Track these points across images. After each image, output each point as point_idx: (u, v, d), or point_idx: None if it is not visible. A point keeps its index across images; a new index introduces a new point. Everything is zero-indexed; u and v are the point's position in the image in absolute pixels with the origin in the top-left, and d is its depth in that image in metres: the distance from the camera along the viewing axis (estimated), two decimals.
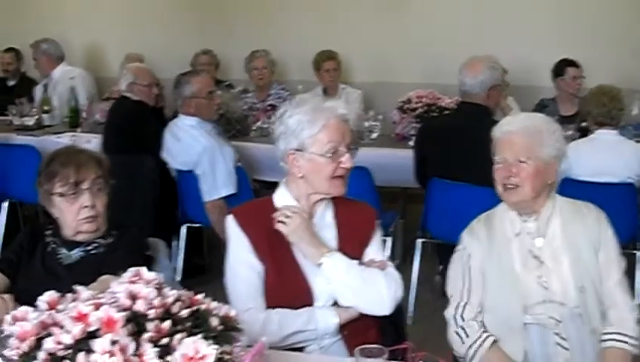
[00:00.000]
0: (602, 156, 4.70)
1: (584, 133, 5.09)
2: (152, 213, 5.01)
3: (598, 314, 2.69)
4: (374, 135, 5.77)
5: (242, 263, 2.62)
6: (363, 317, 2.64)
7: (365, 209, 2.74)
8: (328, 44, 7.07)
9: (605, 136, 4.77)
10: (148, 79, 5.62)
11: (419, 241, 4.89)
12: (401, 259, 5.60)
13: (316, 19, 7.65)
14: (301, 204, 2.66)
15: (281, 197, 2.69)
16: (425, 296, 4.98)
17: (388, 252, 4.97)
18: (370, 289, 2.62)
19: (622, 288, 2.73)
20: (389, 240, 4.98)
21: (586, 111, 4.95)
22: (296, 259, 2.63)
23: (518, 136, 2.70)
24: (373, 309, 2.64)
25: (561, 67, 6.45)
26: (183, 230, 5.19)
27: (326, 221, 2.70)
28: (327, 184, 2.61)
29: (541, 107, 6.42)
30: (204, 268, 5.48)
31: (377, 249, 2.75)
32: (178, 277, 5.07)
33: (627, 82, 6.48)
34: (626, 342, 2.66)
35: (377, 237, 2.78)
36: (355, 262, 2.64)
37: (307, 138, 2.56)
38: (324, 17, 7.65)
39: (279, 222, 2.59)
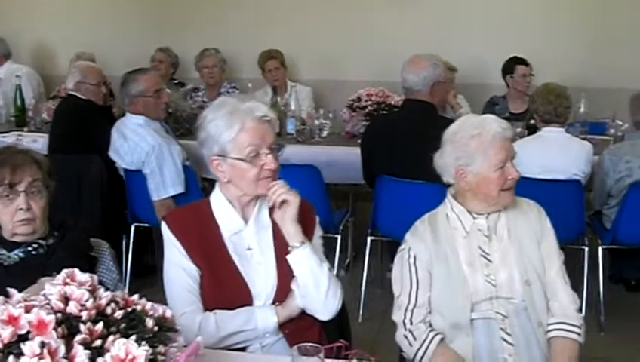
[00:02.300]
0: (549, 153, 4.74)
1: (532, 130, 5.13)
2: (100, 213, 4.97)
3: (544, 307, 2.74)
4: (324, 133, 5.77)
5: (177, 268, 2.60)
6: (305, 316, 2.63)
7: (304, 206, 2.69)
8: (279, 42, 7.07)
9: (552, 134, 4.81)
10: (96, 78, 5.56)
11: (368, 239, 4.90)
12: (352, 257, 5.62)
13: (267, 17, 7.63)
14: (235, 205, 2.63)
15: (216, 200, 2.66)
16: (375, 294, 5.00)
17: (337, 250, 5.01)
18: (321, 292, 2.60)
19: (562, 279, 2.80)
20: (339, 238, 4.99)
21: (534, 109, 4.99)
22: (232, 260, 2.60)
23: (510, 137, 2.74)
24: (318, 311, 2.63)
25: (511, 65, 6.52)
26: (132, 230, 5.14)
27: (262, 221, 2.66)
28: (253, 186, 2.57)
29: (491, 105, 6.48)
30: (154, 268, 5.42)
31: (317, 246, 2.72)
32: (127, 278, 5.04)
33: (575, 80, 6.56)
34: (570, 331, 2.72)
35: (317, 235, 2.75)
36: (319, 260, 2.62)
37: (226, 143, 2.51)
38: (276, 15, 7.63)
39: (282, 191, 2.56)
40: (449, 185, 2.83)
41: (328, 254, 4.78)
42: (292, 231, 2.58)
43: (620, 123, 5.59)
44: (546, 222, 2.83)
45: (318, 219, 2.78)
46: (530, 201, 2.88)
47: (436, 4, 7.42)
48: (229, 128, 2.50)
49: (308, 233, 2.66)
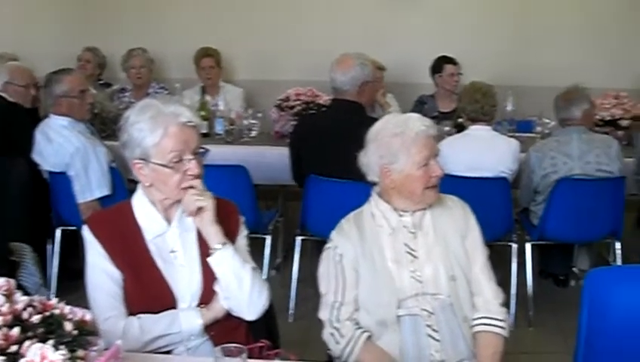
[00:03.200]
0: (476, 151, 4.80)
1: (460, 129, 5.18)
2: (24, 217, 4.85)
3: (469, 303, 2.75)
4: (253, 133, 5.74)
5: (100, 272, 2.54)
6: (231, 317, 2.60)
7: (227, 207, 2.66)
8: (209, 41, 7.01)
9: (479, 132, 4.87)
10: (25, 79, 5.42)
11: (298, 239, 4.89)
12: (282, 257, 5.60)
13: (197, 16, 7.56)
14: (158, 208, 2.58)
15: (139, 202, 2.61)
16: (306, 293, 4.97)
17: (268, 250, 4.99)
18: (245, 292, 2.57)
19: (486, 274, 2.82)
20: (269, 238, 4.98)
21: (461, 108, 5.03)
22: (155, 263, 2.56)
23: (433, 135, 2.73)
24: (243, 312, 2.60)
25: (439, 64, 6.57)
26: (58, 233, 5.05)
27: (186, 223, 2.61)
28: (176, 192, 2.51)
29: (420, 103, 6.53)
30: (81, 272, 5.32)
31: (241, 246, 2.69)
32: (54, 282, 4.94)
33: (503, 78, 6.65)
34: (494, 326, 2.74)
35: (241, 235, 2.71)
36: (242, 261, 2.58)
37: (149, 147, 2.45)
38: (206, 15, 7.55)
39: (195, 199, 2.50)
40: (374, 184, 2.82)
41: (258, 255, 4.83)
42: (212, 234, 2.54)
43: (547, 121, 5.68)
44: (470, 219, 2.85)
45: (243, 219, 2.75)
46: (455, 198, 2.90)
47: (366, 3, 7.44)
48: (152, 133, 2.45)
49: (231, 234, 2.63)
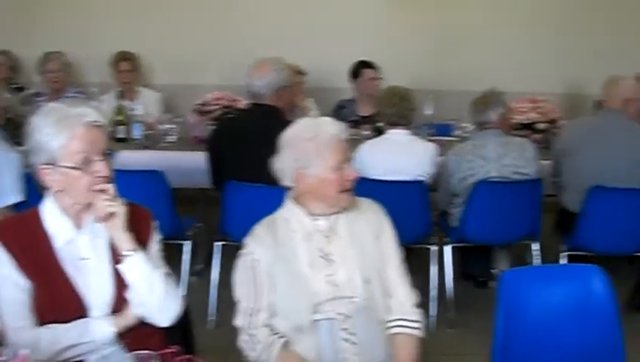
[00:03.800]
0: (394, 155, 4.83)
1: (379, 133, 5.19)
2: None
3: (384, 305, 2.78)
4: (172, 138, 5.67)
5: (8, 281, 2.45)
6: (145, 324, 2.56)
7: (139, 212, 2.61)
8: (128, 45, 6.92)
9: (397, 136, 4.90)
10: None
11: (218, 244, 4.84)
12: (204, 263, 5.54)
13: (115, 19, 7.43)
14: (67, 214, 2.52)
15: (48, 209, 2.54)
16: (227, 299, 4.91)
17: (188, 256, 4.93)
18: (157, 299, 2.54)
19: (400, 276, 2.85)
20: (188, 244, 4.92)
21: (379, 112, 5.05)
22: (65, 271, 2.49)
23: (346, 139, 2.75)
24: (156, 318, 2.56)
25: (358, 68, 6.60)
26: None
27: (97, 230, 2.55)
28: (84, 195, 2.46)
29: (340, 108, 6.56)
30: None
31: (153, 252, 2.65)
32: None
33: (423, 83, 6.72)
34: (408, 327, 2.78)
35: (154, 241, 2.67)
36: (153, 267, 2.54)
37: (55, 150, 2.39)
38: (124, 18, 7.44)
39: (107, 204, 2.45)
40: (289, 188, 2.81)
41: (178, 261, 4.77)
42: (122, 240, 2.50)
43: (465, 125, 5.74)
44: (384, 221, 2.87)
45: (156, 224, 2.70)
46: (369, 201, 2.91)
47: (286, 7, 7.43)
48: (58, 135, 2.39)
49: (143, 240, 2.59)
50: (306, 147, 2.69)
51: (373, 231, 2.81)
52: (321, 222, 2.76)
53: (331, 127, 2.72)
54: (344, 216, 2.79)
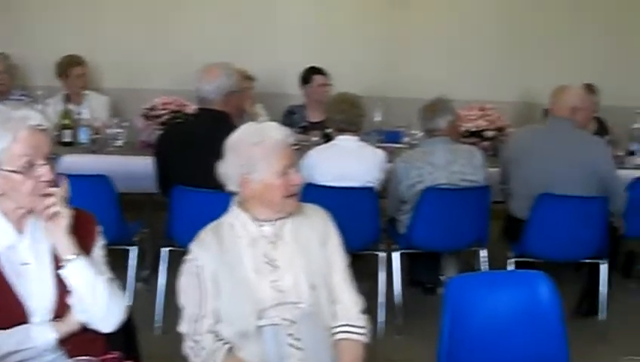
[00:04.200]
0: (343, 161, 4.83)
1: (329, 139, 5.19)
2: None
3: (330, 311, 2.77)
4: (119, 142, 5.61)
5: None
6: (87, 330, 2.51)
7: (83, 217, 2.57)
8: (75, 48, 6.81)
9: (346, 142, 4.89)
10: None
11: (165, 250, 4.79)
12: (151, 269, 5.48)
13: (62, 22, 7.31)
14: (9, 218, 2.46)
15: None
16: (174, 306, 4.85)
17: (134, 262, 4.87)
18: (100, 305, 2.49)
19: (346, 282, 2.84)
20: (135, 249, 4.87)
21: (329, 118, 5.05)
22: (5, 276, 2.43)
23: (291, 144, 2.74)
24: (98, 324, 2.52)
25: (308, 75, 6.60)
26: None
27: (39, 235, 2.50)
28: (28, 199, 2.41)
29: (290, 114, 6.55)
30: None
31: (97, 258, 2.60)
32: None
33: (373, 89, 6.74)
34: (354, 333, 2.78)
35: (97, 246, 2.63)
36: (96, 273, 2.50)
37: None
38: (71, 20, 7.32)
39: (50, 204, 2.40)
40: (234, 194, 2.80)
41: (124, 266, 4.71)
42: (65, 245, 2.45)
43: (414, 132, 5.76)
44: (330, 227, 2.86)
45: (100, 229, 2.66)
46: (316, 206, 2.91)
47: (236, 11, 7.40)
48: (1, 139, 2.34)
49: (87, 244, 2.55)
50: (251, 152, 2.67)
51: (319, 237, 2.80)
52: (267, 228, 2.75)
53: (276, 132, 2.71)
54: (290, 221, 2.78)
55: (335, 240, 2.85)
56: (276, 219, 2.76)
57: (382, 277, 5.00)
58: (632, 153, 5.96)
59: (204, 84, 4.53)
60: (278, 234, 2.75)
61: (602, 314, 5.09)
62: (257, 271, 2.71)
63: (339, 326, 2.78)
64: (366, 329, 2.82)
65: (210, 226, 2.80)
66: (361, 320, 2.82)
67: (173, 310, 4.70)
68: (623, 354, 2.89)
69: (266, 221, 2.75)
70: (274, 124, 2.83)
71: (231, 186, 2.76)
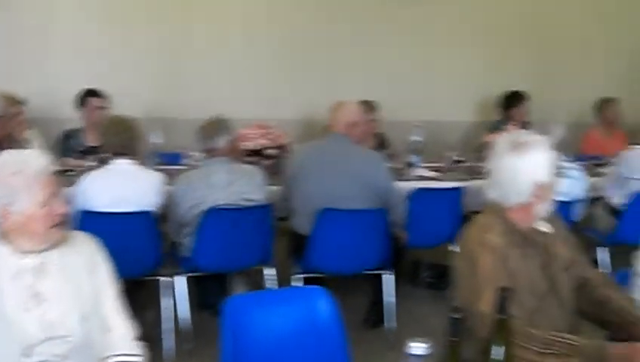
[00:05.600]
0: (119, 185, 4.69)
1: (106, 163, 5.01)
2: None
3: (103, 341, 2.69)
4: None
5: None
6: None
7: None
8: None
9: (121, 166, 4.75)
10: None
11: None
12: None
13: None
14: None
15: None
16: None
17: None
18: None
19: (117, 310, 2.77)
20: None
21: (104, 142, 4.89)
22: None
23: (54, 172, 2.63)
24: None
25: (84, 97, 6.40)
26: None
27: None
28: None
29: (67, 138, 6.32)
30: None
31: None
32: None
33: (153, 111, 6.65)
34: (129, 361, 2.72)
35: None
36: None
37: None
38: None
39: None
40: None
41: None
42: None
43: (194, 153, 5.67)
44: (98, 254, 2.76)
45: None
46: (83, 234, 2.80)
47: (3, 30, 7.07)
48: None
49: None
50: (11, 182, 2.52)
51: (86, 266, 2.70)
52: (30, 260, 2.61)
53: (37, 160, 2.58)
54: (56, 251, 2.65)
55: (104, 267, 2.76)
56: (41, 251, 2.62)
57: (167, 302, 4.92)
58: (410, 165, 6.16)
59: None
60: (43, 266, 2.61)
61: (390, 323, 5.21)
62: (23, 307, 2.56)
63: (112, 356, 2.70)
64: (142, 357, 2.75)
65: None
66: (136, 347, 2.75)
67: None
68: None
69: (29, 252, 2.61)
70: (35, 151, 2.71)
71: None
